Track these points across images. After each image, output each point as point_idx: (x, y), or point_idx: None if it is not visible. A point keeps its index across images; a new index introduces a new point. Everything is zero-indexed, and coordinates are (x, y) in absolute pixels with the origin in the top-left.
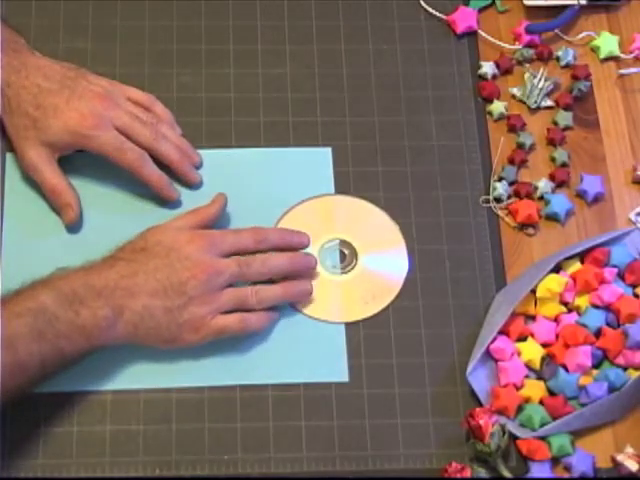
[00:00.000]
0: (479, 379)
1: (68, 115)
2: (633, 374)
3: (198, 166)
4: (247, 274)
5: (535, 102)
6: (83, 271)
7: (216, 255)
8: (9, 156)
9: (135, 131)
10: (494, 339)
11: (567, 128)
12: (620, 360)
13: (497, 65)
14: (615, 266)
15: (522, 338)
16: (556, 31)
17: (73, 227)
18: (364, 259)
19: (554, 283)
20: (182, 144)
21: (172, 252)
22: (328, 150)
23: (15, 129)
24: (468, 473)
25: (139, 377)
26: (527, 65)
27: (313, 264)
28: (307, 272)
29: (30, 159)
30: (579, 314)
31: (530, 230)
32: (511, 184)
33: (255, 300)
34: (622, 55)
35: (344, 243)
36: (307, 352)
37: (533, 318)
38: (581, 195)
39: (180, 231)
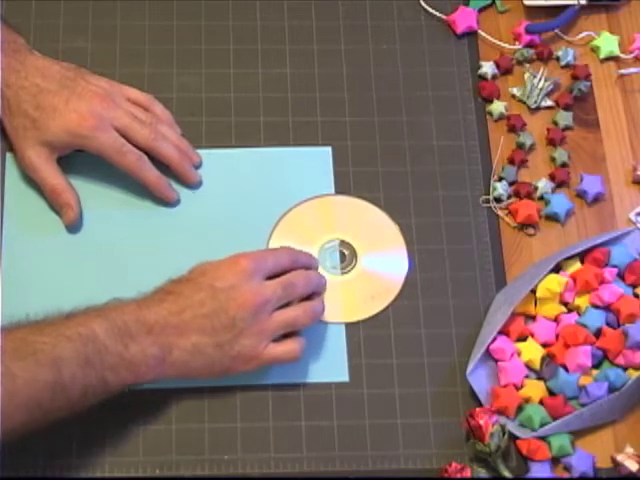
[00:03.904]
0: (479, 379)
1: (67, 115)
2: (633, 374)
3: (198, 166)
4: (291, 295)
5: (535, 102)
6: (136, 304)
7: (260, 278)
8: (9, 156)
9: (134, 131)
10: (494, 339)
11: (567, 128)
12: (620, 360)
13: (497, 65)
14: (615, 266)
15: (522, 338)
16: (556, 31)
17: (73, 227)
18: (364, 259)
19: (554, 283)
20: (182, 144)
21: (216, 281)
22: (328, 150)
23: (15, 129)
24: (468, 473)
25: None
26: (527, 65)
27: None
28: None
29: (30, 159)
30: (579, 314)
31: (530, 230)
32: (511, 184)
33: (309, 319)
34: (622, 55)
35: (344, 243)
36: (307, 352)
37: (533, 318)
38: (581, 195)
39: (223, 259)
